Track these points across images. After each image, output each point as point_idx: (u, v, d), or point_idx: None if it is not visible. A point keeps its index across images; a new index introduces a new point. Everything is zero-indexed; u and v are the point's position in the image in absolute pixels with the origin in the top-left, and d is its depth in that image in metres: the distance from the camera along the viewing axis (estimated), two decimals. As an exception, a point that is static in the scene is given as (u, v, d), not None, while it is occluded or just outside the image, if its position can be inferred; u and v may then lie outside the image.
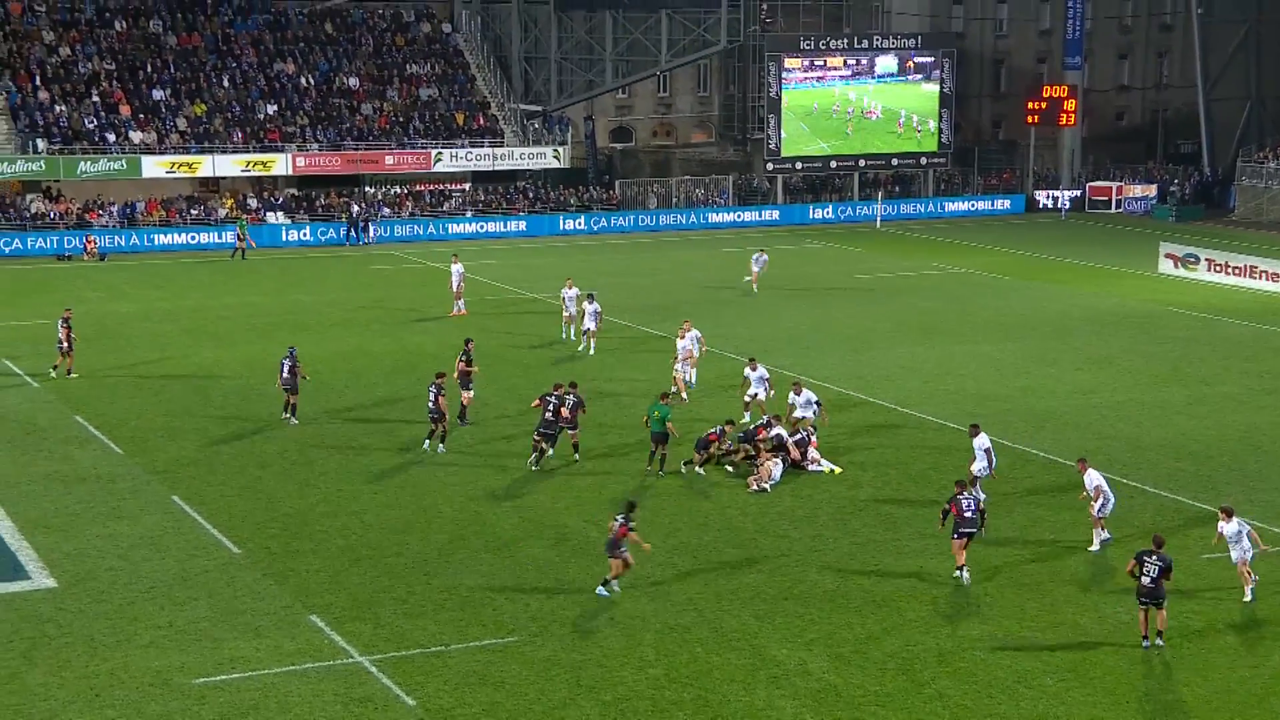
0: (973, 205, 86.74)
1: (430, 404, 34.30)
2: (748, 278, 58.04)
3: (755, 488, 31.91)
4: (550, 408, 33.31)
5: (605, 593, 25.91)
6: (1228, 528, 25.58)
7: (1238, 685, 22.53)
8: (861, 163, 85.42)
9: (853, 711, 21.69)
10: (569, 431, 33.85)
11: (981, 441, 30.89)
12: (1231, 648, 23.93)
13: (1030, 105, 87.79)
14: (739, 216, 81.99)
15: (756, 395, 36.85)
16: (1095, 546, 28.32)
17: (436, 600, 25.80)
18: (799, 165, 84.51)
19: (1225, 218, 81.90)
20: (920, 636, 24.35)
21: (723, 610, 25.44)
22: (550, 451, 33.59)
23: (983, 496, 28.93)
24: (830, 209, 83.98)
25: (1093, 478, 28.33)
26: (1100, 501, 28.25)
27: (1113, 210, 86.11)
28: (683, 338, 40.65)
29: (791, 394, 35.07)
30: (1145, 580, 23.60)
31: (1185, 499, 31.35)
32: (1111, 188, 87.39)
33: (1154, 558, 23.70)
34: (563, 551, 28.32)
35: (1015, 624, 24.86)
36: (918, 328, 50.90)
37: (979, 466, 30.72)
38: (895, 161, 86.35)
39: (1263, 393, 41.17)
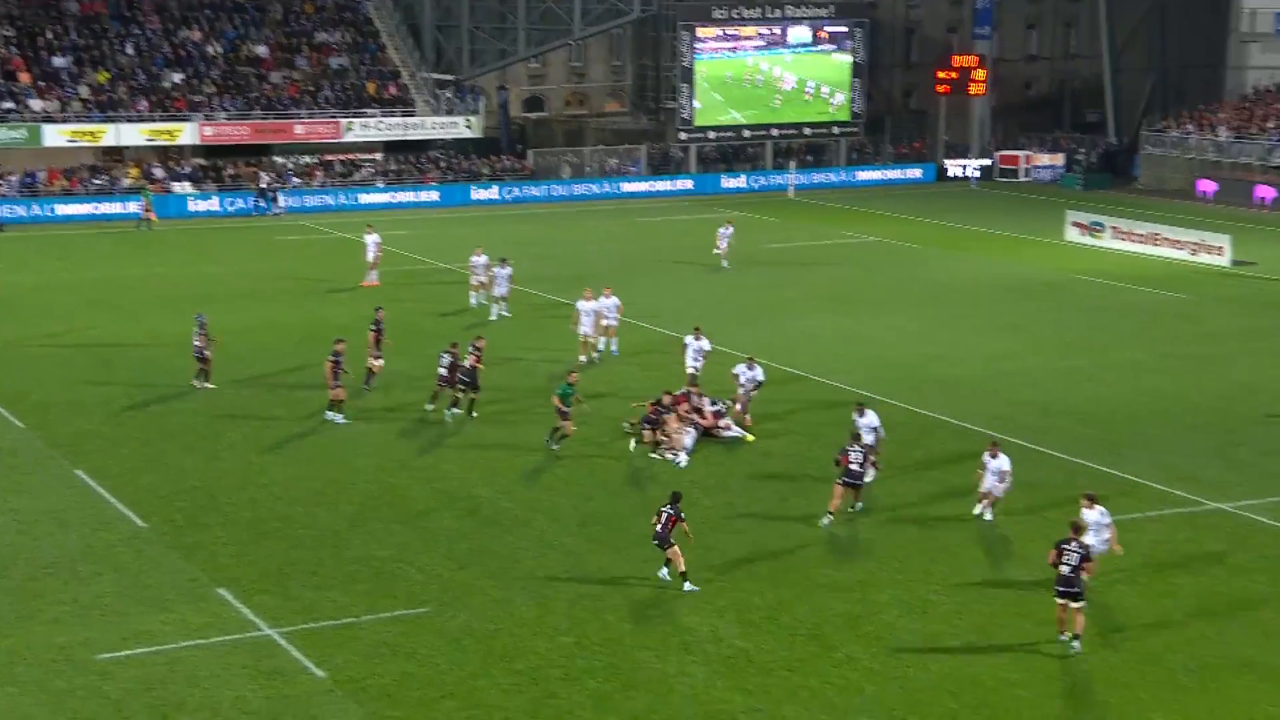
0: (884, 174, 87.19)
1: (332, 372, 34.15)
2: (716, 251, 56.97)
3: (669, 457, 31.91)
4: (445, 363, 34.50)
5: (668, 577, 25.24)
6: (1089, 515, 24.52)
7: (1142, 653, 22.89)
8: (774, 132, 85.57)
9: (763, 677, 21.78)
10: (463, 391, 34.40)
11: (869, 420, 30.07)
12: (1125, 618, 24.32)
13: (940, 75, 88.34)
14: (652, 186, 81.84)
15: (695, 366, 36.34)
16: (985, 514, 28.19)
17: (347, 572, 25.60)
18: (712, 135, 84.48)
19: (1130, 186, 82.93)
20: (830, 602, 24.49)
21: (634, 579, 25.40)
22: (458, 406, 34.55)
23: (872, 474, 29.12)
24: (744, 178, 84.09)
25: (1003, 462, 27.85)
26: (1005, 485, 27.89)
27: (1021, 179, 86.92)
28: (588, 300, 40.64)
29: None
30: (1065, 569, 22.43)
31: (1092, 464, 31.72)
32: (1020, 157, 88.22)
33: (1073, 545, 22.69)
34: (475, 522, 28.20)
35: (923, 588, 25.07)
36: (830, 296, 51.13)
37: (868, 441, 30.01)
38: (808, 131, 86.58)
39: (1166, 358, 41.77)
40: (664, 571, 25.25)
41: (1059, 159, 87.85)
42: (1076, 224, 64.35)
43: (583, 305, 40.69)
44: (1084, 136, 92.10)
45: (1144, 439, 33.66)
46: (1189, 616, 23.91)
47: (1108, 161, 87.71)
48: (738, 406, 33.98)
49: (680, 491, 25.98)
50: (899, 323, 46.77)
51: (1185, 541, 27.00)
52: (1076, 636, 22.56)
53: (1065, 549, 22.65)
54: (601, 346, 41.10)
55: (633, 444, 32.64)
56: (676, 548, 25.00)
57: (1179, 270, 56.35)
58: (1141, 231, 61.52)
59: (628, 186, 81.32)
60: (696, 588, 24.84)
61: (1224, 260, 56.97)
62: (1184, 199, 76.86)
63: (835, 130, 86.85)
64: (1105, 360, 41.51)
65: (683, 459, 31.78)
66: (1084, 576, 22.58)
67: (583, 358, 40.02)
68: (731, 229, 57.63)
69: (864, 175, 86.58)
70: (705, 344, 36.70)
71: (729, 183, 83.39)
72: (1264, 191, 73.81)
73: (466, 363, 34.87)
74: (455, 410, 34.60)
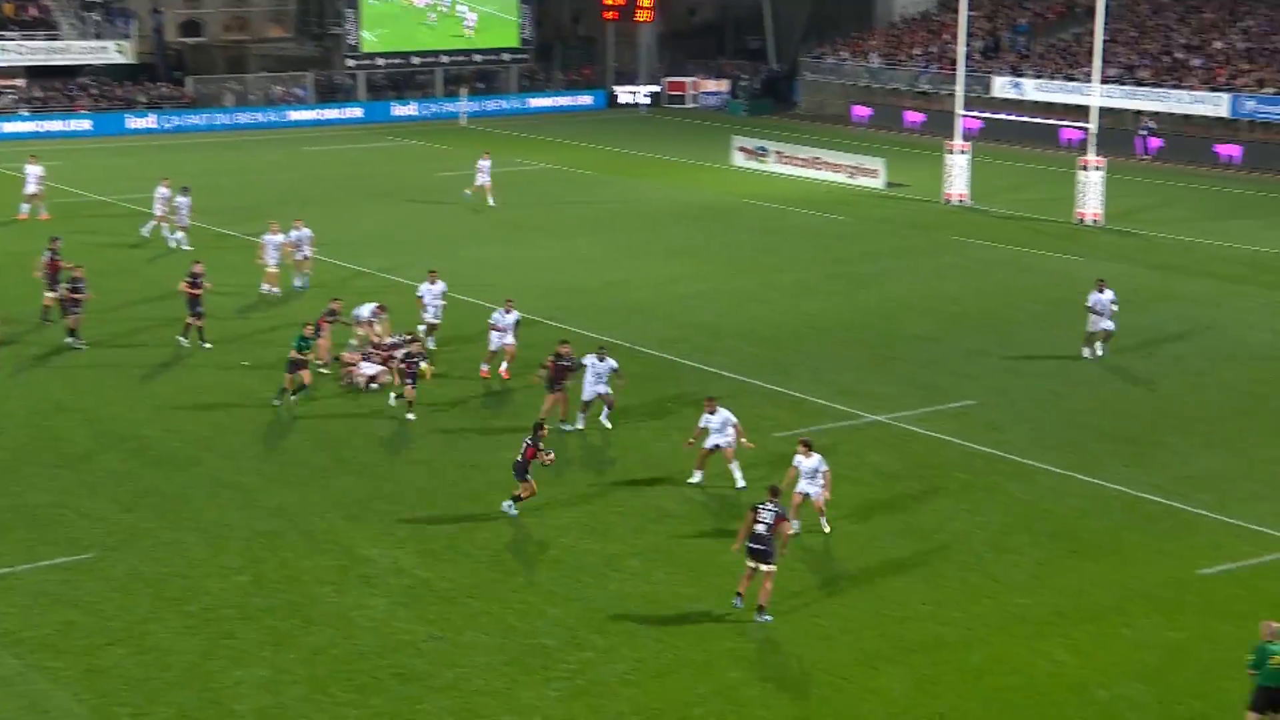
0: (556, 101, 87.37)
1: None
2: (468, 191, 53.99)
3: (352, 380, 31.51)
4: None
5: (512, 510, 24.84)
6: (806, 462, 24.01)
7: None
8: (444, 59, 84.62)
9: (445, 605, 21.74)
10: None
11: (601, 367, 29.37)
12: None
13: (607, 1, 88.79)
14: (321, 114, 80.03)
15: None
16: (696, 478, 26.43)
17: (1, 520, 24.35)
18: (380, 62, 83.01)
19: (791, 112, 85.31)
20: (509, 528, 24.58)
21: (312, 514, 25.03)
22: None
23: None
24: (415, 106, 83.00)
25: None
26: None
27: (689, 105, 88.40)
28: (274, 233, 39.81)
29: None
30: (760, 528, 21.21)
31: (760, 382, 32.61)
32: (687, 83, 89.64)
33: (769, 506, 21.45)
34: (142, 462, 27.23)
35: (601, 509, 25.40)
36: (507, 225, 51.05)
37: (597, 390, 29.50)
38: (478, 58, 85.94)
39: (829, 278, 43.21)
40: (509, 505, 24.92)
41: (724, 85, 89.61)
42: (742, 149, 65.87)
43: (269, 239, 39.81)
44: (747, 63, 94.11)
45: (808, 356, 34.75)
46: (848, 521, 24.83)
47: (770, 88, 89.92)
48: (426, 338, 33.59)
49: (541, 420, 25.71)
50: (574, 249, 47.06)
51: (847, 454, 28.05)
52: (761, 608, 21.34)
53: (761, 510, 21.41)
54: (299, 283, 40.44)
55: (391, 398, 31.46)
56: (532, 482, 24.67)
57: (838, 193, 58.31)
58: (803, 156, 63.41)
59: (294, 115, 79.34)
60: (514, 511, 24.88)
61: (879, 183, 59.25)
62: (841, 124, 79.53)
63: (505, 57, 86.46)
64: (772, 282, 42.70)
65: (360, 382, 31.50)
66: (777, 541, 21.47)
67: (266, 287, 39.50)
68: (489, 161, 54.32)
69: (535, 102, 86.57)
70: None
71: (400, 110, 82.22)
72: (913, 117, 77.01)
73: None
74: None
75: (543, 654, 20.25)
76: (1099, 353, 33.91)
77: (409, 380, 29.49)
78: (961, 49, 59.31)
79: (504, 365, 32.72)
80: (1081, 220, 50.98)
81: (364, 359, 32.37)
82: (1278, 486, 25.86)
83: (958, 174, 55.31)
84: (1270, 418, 29.94)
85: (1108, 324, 33.71)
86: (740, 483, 26.07)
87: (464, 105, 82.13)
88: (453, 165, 64.89)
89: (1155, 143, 66.44)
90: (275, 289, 39.64)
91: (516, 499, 24.96)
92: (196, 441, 28.44)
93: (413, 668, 19.90)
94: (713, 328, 37.30)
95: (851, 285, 42.18)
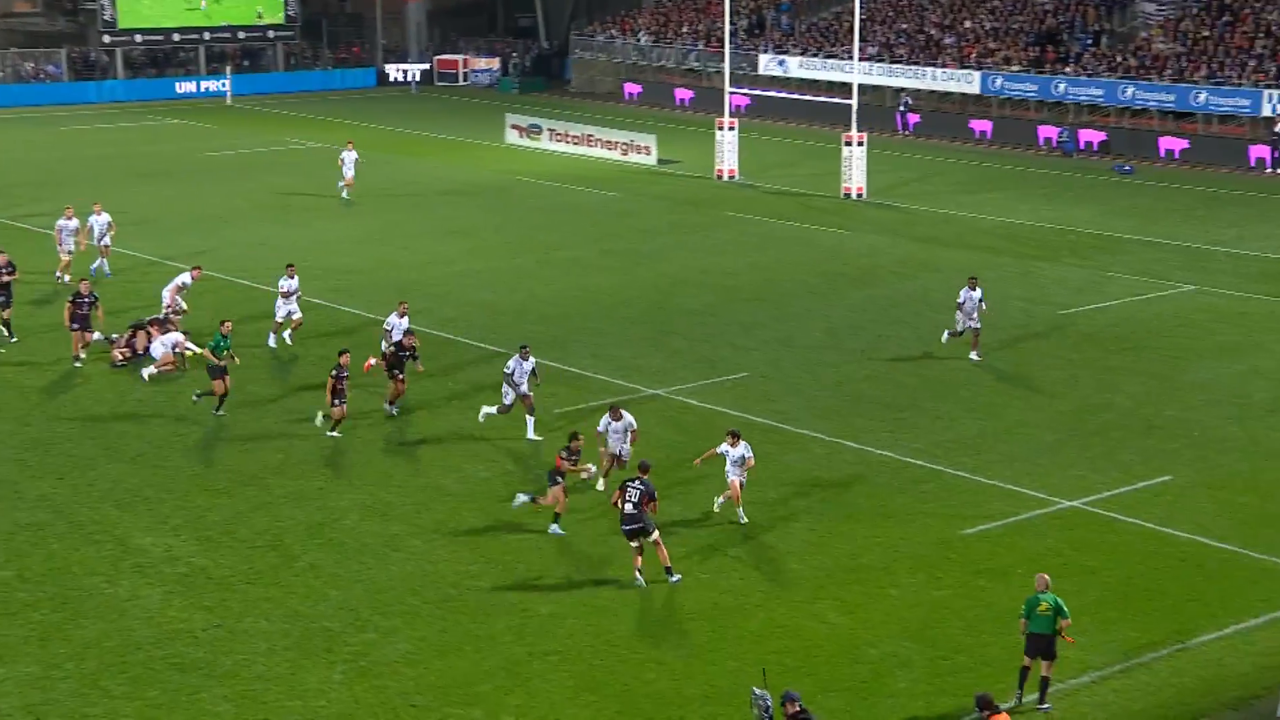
0: (325, 80, 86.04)
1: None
2: (342, 183, 50.83)
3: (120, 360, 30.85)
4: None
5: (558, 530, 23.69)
6: (732, 452, 23.80)
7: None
8: (206, 35, 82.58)
9: (223, 592, 21.44)
10: None
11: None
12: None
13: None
14: (77, 93, 77.39)
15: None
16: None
17: None
18: (139, 38, 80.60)
19: (564, 89, 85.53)
20: (290, 511, 24.33)
21: (80, 505, 24.42)
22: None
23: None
24: (178, 84, 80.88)
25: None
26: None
27: (461, 83, 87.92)
28: (69, 218, 38.64)
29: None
30: (628, 507, 21.63)
31: (541, 359, 32.58)
32: (459, 61, 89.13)
33: (636, 483, 21.79)
34: (-104, 457, 26.15)
35: (382, 491, 25.28)
36: (277, 205, 50.20)
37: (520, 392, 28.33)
38: (242, 34, 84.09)
39: (605, 255, 43.53)
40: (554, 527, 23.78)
41: (495, 63, 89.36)
42: (515, 127, 65.81)
43: (64, 224, 38.62)
44: (518, 40, 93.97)
45: (587, 333, 35.01)
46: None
47: (541, 65, 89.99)
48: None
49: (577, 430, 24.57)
50: (349, 229, 46.53)
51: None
52: (669, 569, 21.80)
53: (629, 486, 21.70)
54: (95, 266, 39.32)
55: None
56: (554, 491, 23.53)
57: (612, 170, 58.69)
58: (576, 133, 63.65)
59: (46, 94, 76.52)
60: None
61: (651, 160, 59.83)
62: (613, 101, 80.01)
63: (270, 34, 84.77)
64: (549, 259, 42.84)
65: (146, 372, 30.82)
66: (649, 514, 21.73)
67: (60, 275, 38.33)
68: (356, 154, 51.33)
69: (304, 81, 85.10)
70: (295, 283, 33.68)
71: (162, 89, 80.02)
72: (683, 94, 77.90)
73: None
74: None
75: (326, 637, 20.12)
76: (975, 355, 32.27)
77: (336, 399, 27.36)
78: (728, 27, 60.28)
79: (288, 333, 32.67)
80: (848, 195, 52.30)
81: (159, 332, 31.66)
82: (1030, 449, 26.98)
83: (728, 150, 56.17)
84: (1024, 383, 31.20)
85: (975, 323, 32.10)
86: (742, 518, 24.35)
87: (229, 83, 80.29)
88: (221, 144, 63.52)
89: (914, 118, 68.46)
90: (67, 277, 38.13)
91: (556, 516, 23.61)
92: (-45, 433, 27.50)
93: (191, 657, 19.59)
94: (490, 306, 37.30)
95: (628, 261, 42.57)
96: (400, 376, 28.86)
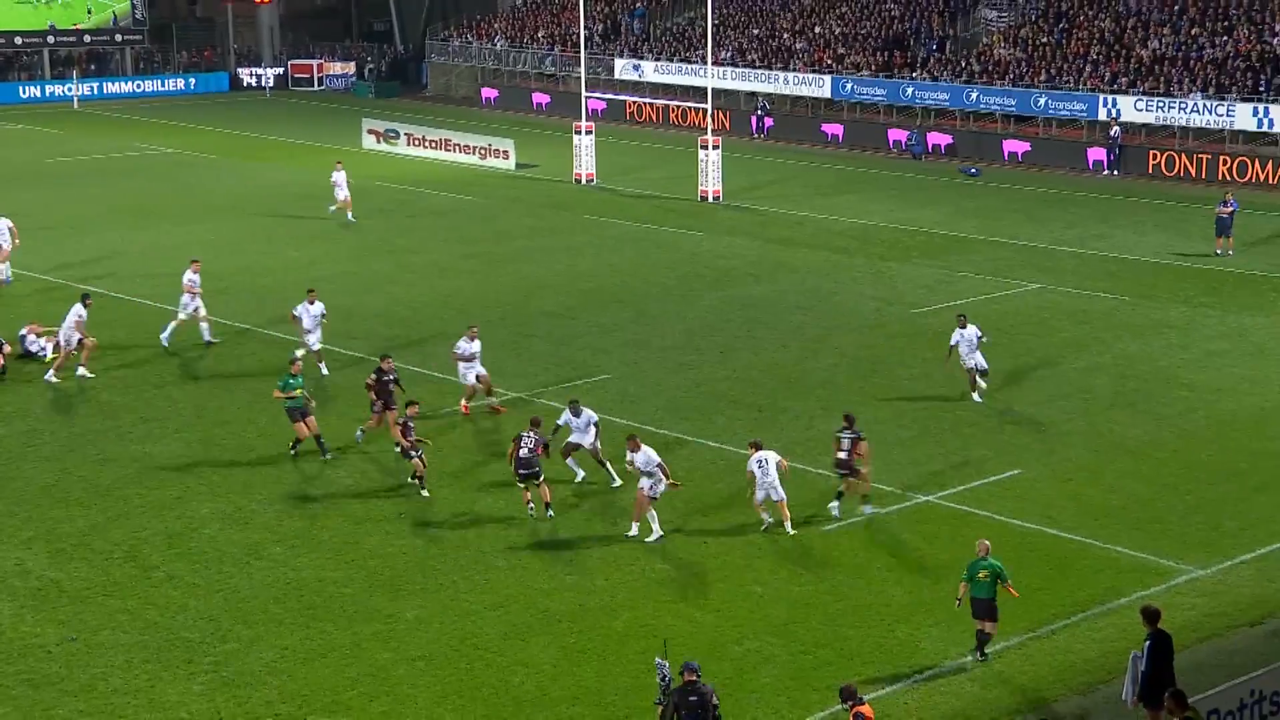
0: (176, 84, 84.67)
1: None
2: (333, 206, 48.23)
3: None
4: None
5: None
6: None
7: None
8: (50, 39, 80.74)
9: (78, 605, 21.08)
10: None
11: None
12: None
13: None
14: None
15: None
16: (651, 536, 23.81)
17: None
18: (-19, 41, 78.71)
19: (420, 94, 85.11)
20: (148, 521, 23.99)
21: (-72, 519, 23.83)
22: None
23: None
24: (21, 88, 79.00)
25: (650, 454, 23.98)
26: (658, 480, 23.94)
27: (316, 88, 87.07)
28: None
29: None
30: (523, 452, 24.07)
31: (400, 364, 32.35)
32: (313, 65, 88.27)
33: (532, 434, 24.18)
34: None
35: (242, 499, 25.02)
36: (130, 210, 49.33)
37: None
38: (88, 38, 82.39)
39: (464, 259, 43.44)
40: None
41: (351, 68, 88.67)
42: (372, 131, 65.36)
43: None
44: (373, 45, 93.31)
45: (446, 336, 34.80)
46: (489, 496, 25.09)
47: (397, 70, 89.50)
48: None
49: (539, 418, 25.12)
50: (204, 235, 45.86)
51: (485, 430, 28.48)
52: (547, 505, 24.24)
53: (524, 438, 24.23)
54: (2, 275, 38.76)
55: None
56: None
57: (470, 174, 58.56)
58: (434, 138, 63.40)
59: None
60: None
61: (510, 164, 59.81)
62: (470, 105, 79.80)
63: (118, 38, 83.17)
64: (407, 263, 42.65)
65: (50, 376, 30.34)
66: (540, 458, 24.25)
67: None
68: (345, 174, 48.71)
69: (154, 85, 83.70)
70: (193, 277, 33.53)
71: (5, 93, 78.15)
72: (540, 98, 77.95)
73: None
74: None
75: (185, 648, 19.88)
76: (977, 396, 30.28)
77: (412, 452, 25.54)
78: (583, 32, 60.49)
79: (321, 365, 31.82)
80: (704, 197, 52.77)
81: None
82: (884, 444, 27.42)
83: (585, 154, 56.35)
84: (879, 380, 31.76)
85: (979, 359, 30.24)
86: (616, 480, 25.66)
87: (76, 87, 78.62)
88: (69, 150, 62.24)
89: (769, 122, 69.30)
90: None
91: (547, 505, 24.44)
92: None
93: (44, 672, 19.25)
94: (348, 310, 36.98)
95: (487, 265, 42.54)
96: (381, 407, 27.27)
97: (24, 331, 32.60)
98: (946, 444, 27.86)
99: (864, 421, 25.83)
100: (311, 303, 31.64)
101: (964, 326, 30.35)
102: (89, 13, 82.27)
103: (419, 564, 22.63)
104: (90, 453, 27.02)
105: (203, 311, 33.34)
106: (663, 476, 23.71)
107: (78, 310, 31.14)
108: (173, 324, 33.39)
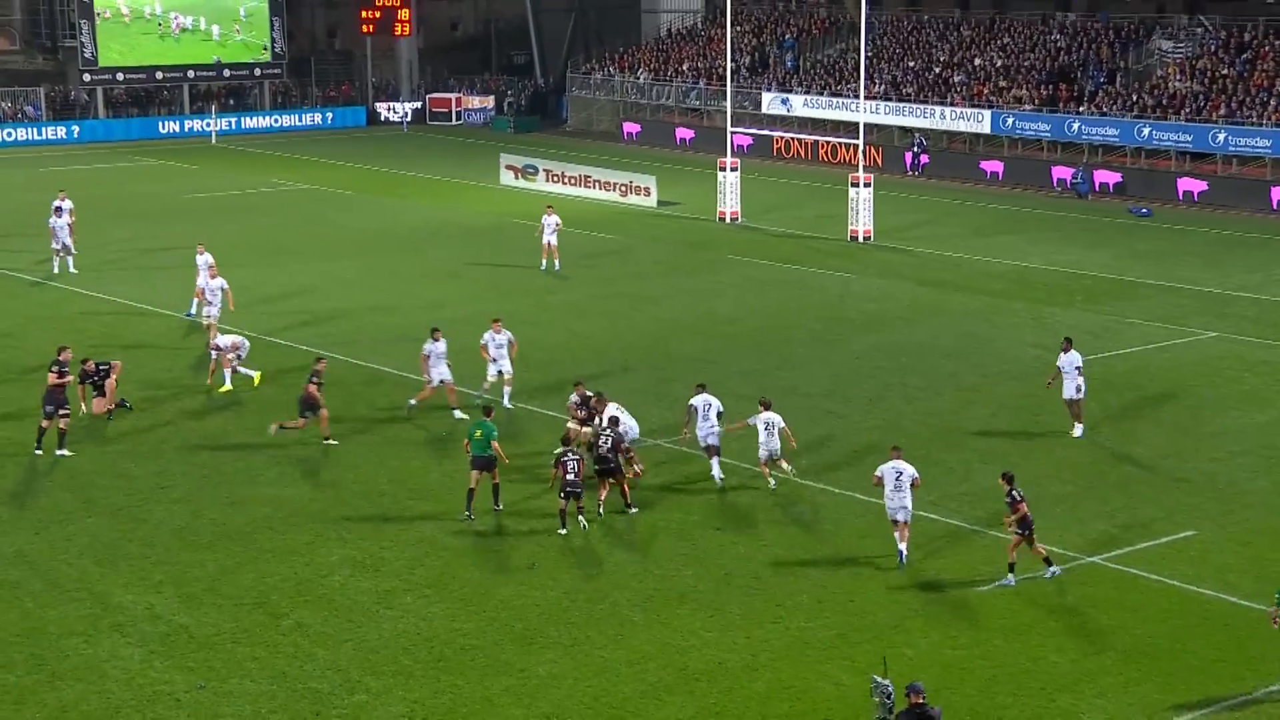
0: (313, 119, 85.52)
1: None
2: (546, 254, 46.31)
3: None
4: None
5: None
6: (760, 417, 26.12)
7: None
8: (190, 74, 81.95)
9: (206, 652, 20.58)
10: None
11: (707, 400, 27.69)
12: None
13: (364, 15, 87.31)
14: (56, 133, 76.77)
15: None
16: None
17: None
18: (120, 76, 79.97)
19: (560, 128, 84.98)
20: (276, 567, 23.46)
21: (58, 560, 23.55)
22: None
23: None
24: (161, 123, 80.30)
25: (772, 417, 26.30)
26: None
27: (454, 122, 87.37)
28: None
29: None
30: (569, 476, 24.63)
31: (533, 407, 31.88)
32: (451, 99, 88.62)
33: (602, 439, 25.39)
34: None
35: (374, 546, 24.40)
36: (263, 248, 49.41)
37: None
38: (227, 73, 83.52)
39: (601, 299, 42.72)
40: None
41: (489, 102, 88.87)
42: (510, 167, 65.15)
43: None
44: (513, 79, 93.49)
45: (583, 381, 34.03)
46: (626, 549, 24.37)
47: (537, 104, 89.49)
48: None
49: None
50: (336, 272, 45.76)
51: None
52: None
53: (567, 460, 24.69)
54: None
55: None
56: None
57: (610, 211, 57.98)
58: (574, 174, 62.95)
59: (25, 134, 75.91)
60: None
61: (651, 201, 59.13)
62: (611, 141, 79.42)
63: (257, 72, 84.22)
64: (543, 303, 42.04)
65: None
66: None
67: None
68: (556, 218, 46.44)
69: (291, 120, 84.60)
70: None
71: (144, 128, 79.47)
72: (683, 133, 77.28)
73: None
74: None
75: (314, 699, 19.32)
76: (1078, 430, 29.86)
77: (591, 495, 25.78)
78: (729, 64, 59.64)
79: (507, 392, 31.50)
80: (854, 237, 51.54)
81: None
82: (1046, 502, 26.12)
83: (730, 191, 55.48)
84: (1040, 434, 30.35)
85: (1071, 390, 29.61)
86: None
87: (214, 122, 79.67)
88: (204, 186, 62.91)
89: (924, 159, 67.78)
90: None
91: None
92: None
93: (172, 721, 18.66)
94: (478, 351, 36.33)
95: (625, 306, 41.77)
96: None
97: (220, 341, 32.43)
98: (1112, 502, 26.42)
99: (1024, 476, 24.58)
100: (498, 331, 31.51)
101: (1067, 351, 29.72)
102: (275, 52, 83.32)
103: (552, 616, 21.85)
104: (221, 495, 26.61)
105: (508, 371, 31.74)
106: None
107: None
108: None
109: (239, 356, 32.67)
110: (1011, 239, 52.11)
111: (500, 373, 31.40)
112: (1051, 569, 23.09)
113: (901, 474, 23.60)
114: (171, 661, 20.29)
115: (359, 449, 29.06)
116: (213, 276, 36.51)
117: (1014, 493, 22.88)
